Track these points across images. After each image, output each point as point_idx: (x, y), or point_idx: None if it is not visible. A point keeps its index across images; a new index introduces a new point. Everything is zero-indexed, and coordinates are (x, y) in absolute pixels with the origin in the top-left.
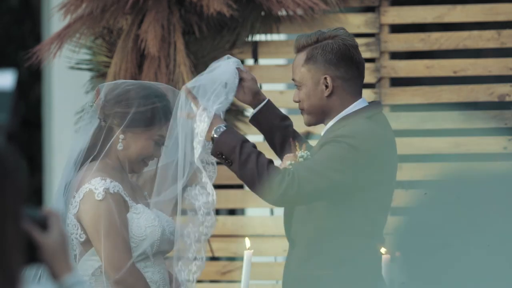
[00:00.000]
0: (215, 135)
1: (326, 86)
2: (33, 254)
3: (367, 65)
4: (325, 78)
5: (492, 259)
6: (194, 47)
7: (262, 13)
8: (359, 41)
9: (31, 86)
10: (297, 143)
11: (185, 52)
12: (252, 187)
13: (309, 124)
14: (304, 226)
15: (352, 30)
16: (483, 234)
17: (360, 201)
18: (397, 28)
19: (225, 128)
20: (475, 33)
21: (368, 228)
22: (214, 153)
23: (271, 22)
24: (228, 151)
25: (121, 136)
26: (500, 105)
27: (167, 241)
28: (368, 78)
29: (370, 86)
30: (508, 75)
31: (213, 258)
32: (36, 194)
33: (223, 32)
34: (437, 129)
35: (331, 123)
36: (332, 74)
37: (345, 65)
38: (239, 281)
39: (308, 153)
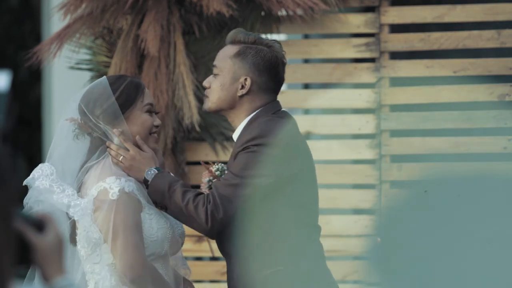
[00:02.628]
0: (147, 179)
1: (242, 87)
2: (26, 254)
3: (367, 65)
4: (245, 79)
5: (484, 258)
6: (194, 47)
7: (262, 13)
8: (359, 41)
9: (31, 86)
10: (206, 163)
11: (185, 52)
12: (192, 228)
13: (208, 110)
14: (241, 237)
15: (352, 30)
16: (476, 233)
17: (289, 194)
18: (397, 28)
19: (155, 171)
20: (475, 33)
21: (304, 218)
22: (153, 201)
23: (271, 22)
24: (159, 198)
25: (117, 131)
26: (500, 105)
27: (175, 242)
28: (368, 78)
29: (370, 86)
30: (508, 75)
31: (213, 258)
32: None
33: (223, 32)
34: (437, 129)
35: (239, 129)
36: (253, 78)
37: (268, 75)
38: None
39: (222, 164)
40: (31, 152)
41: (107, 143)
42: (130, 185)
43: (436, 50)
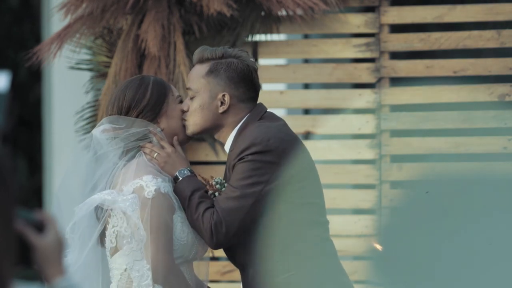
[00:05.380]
0: (179, 177)
1: (222, 103)
2: (26, 255)
3: (367, 65)
4: (224, 95)
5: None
6: (194, 47)
7: (262, 13)
8: (359, 41)
9: (31, 86)
10: (203, 177)
11: (185, 52)
12: (203, 239)
13: (192, 134)
14: (252, 248)
15: (352, 30)
16: (476, 233)
17: (295, 194)
18: (397, 28)
19: (187, 173)
20: (475, 33)
21: (314, 216)
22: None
23: (271, 22)
24: (181, 201)
25: (158, 129)
26: (500, 105)
27: (203, 248)
28: (368, 78)
29: (370, 86)
30: (508, 75)
31: (213, 258)
32: (36, 194)
33: (223, 32)
34: (437, 129)
35: (229, 140)
36: (231, 92)
37: (244, 86)
38: (239, 281)
39: (220, 178)
40: (31, 152)
41: (141, 144)
42: (166, 186)
43: (436, 50)
